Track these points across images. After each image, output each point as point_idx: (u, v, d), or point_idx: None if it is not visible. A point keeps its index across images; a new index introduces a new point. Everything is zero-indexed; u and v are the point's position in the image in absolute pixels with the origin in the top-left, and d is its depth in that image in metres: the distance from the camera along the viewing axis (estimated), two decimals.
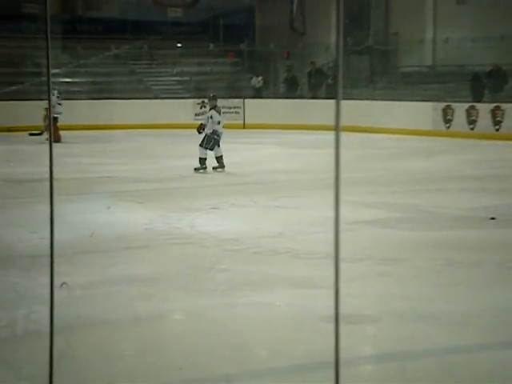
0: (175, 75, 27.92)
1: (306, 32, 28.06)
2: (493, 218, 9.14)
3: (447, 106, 21.52)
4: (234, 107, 25.23)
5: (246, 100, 25.57)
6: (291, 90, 26.84)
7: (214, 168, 13.94)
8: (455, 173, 13.86)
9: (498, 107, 20.41)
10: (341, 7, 2.34)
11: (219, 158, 13.98)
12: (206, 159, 13.87)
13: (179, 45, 29.30)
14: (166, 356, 4.89)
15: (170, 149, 18.85)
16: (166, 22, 29.63)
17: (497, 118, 20.35)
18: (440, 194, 11.19)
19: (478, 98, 21.33)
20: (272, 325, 5.51)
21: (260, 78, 27.31)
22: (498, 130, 20.29)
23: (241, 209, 10.19)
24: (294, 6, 27.77)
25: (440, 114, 21.59)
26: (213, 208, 10.12)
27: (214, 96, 14.71)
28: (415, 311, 5.67)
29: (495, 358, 4.90)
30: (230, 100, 25.07)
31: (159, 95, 26.54)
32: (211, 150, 13.96)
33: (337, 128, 2.37)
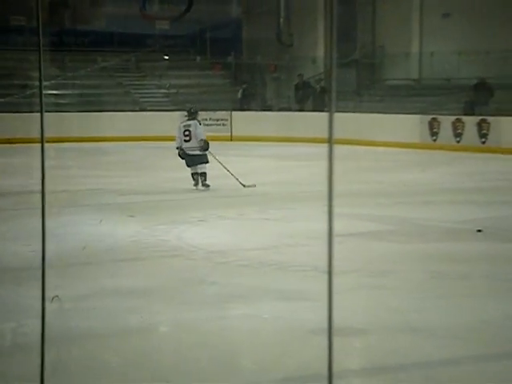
0: (162, 88, 27.93)
1: (293, 45, 28.16)
2: (479, 231, 9.19)
3: (433, 118, 21.63)
4: (222, 119, 25.25)
5: (233, 112, 25.60)
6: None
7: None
8: (443, 185, 13.92)
9: (483, 120, 20.53)
10: (334, 21, 2.36)
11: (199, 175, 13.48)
12: (196, 174, 13.50)
13: (166, 57, 29.34)
14: (155, 369, 4.88)
15: (158, 161, 18.83)
16: (153, 35, 29.67)
17: (483, 131, 20.46)
18: (428, 207, 11.24)
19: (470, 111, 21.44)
20: (261, 338, 5.51)
21: (245, 86, 27.29)
22: (484, 142, 20.41)
23: (229, 221, 10.19)
24: (281, 19, 27.88)
25: (426, 126, 21.70)
26: (201, 220, 10.12)
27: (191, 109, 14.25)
28: (406, 324, 5.68)
29: (486, 370, 4.92)
30: (218, 112, 25.09)
31: (146, 107, 26.54)
32: (188, 166, 13.52)
33: (330, 140, 2.38)
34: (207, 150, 13.52)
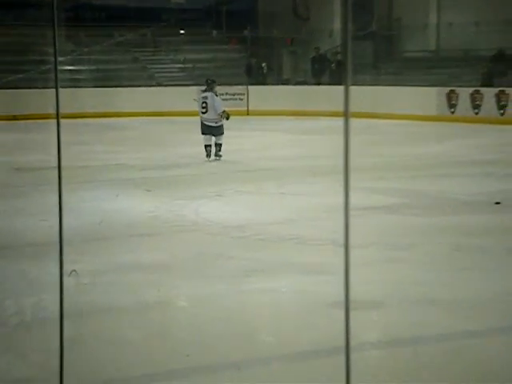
0: (178, 62, 27.86)
1: (310, 18, 27.98)
2: (498, 203, 9.14)
3: (451, 90, 21.47)
4: (238, 93, 25.19)
5: (249, 87, 25.51)
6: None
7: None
8: (461, 158, 13.84)
9: (502, 91, 20.35)
10: None
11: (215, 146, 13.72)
12: (209, 146, 13.76)
13: (182, 32, 29.24)
14: (174, 343, 4.91)
15: (175, 136, 18.85)
16: (169, 9, 29.56)
17: (501, 103, 20.30)
18: (446, 180, 11.18)
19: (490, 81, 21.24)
20: (280, 311, 5.53)
21: (264, 65, 27.23)
22: (502, 114, 20.25)
23: (246, 196, 10.19)
24: None
25: (444, 98, 21.54)
26: (218, 195, 10.13)
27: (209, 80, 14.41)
28: (425, 296, 5.68)
29: (506, 341, 4.91)
30: (234, 87, 25.02)
31: (162, 82, 26.50)
32: (203, 134, 13.72)
33: (346, 114, 2.37)
34: (227, 119, 13.74)
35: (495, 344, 4.87)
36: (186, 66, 27.51)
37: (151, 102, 24.36)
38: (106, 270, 6.56)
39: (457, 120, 20.71)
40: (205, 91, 14.15)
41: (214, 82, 14.32)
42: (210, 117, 13.69)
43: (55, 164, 3.14)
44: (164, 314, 5.55)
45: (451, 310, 5.39)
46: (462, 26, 23.73)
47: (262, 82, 26.66)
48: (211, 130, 13.67)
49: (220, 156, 13.70)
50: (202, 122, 13.80)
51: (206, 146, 13.76)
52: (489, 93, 20.62)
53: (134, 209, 9.27)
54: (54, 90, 3.20)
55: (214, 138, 13.73)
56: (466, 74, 22.25)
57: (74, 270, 5.93)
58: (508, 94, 20.19)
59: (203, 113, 13.76)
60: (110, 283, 6.18)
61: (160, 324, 5.30)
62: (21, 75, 23.73)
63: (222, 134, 13.73)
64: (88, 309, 5.46)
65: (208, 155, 13.70)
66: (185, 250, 7.31)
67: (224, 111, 13.74)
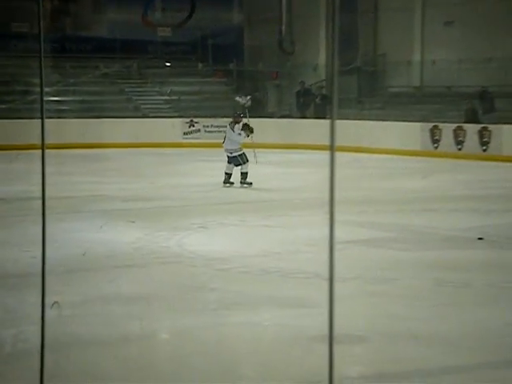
0: (164, 94, 27.95)
1: (295, 52, 28.18)
2: (480, 239, 9.18)
3: (435, 126, 21.63)
4: (223, 126, 25.22)
5: None
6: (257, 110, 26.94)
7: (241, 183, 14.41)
8: (444, 193, 13.91)
9: (485, 128, 20.52)
10: (336, 29, 2.36)
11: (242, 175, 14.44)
12: (230, 174, 14.36)
13: (168, 64, 29.37)
14: (155, 376, 4.87)
15: (159, 168, 18.84)
16: (155, 42, 29.70)
17: (484, 139, 20.46)
18: (430, 214, 11.22)
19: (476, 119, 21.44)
20: (262, 345, 5.50)
21: (248, 98, 27.34)
22: (485, 150, 20.40)
23: (230, 228, 10.18)
24: (283, 27, 27.91)
25: (428, 134, 21.69)
26: (201, 227, 10.11)
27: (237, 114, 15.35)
28: (407, 331, 5.67)
29: (487, 378, 4.90)
30: (219, 119, 25.10)
31: (148, 114, 26.56)
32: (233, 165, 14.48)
33: (332, 147, 2.38)
34: (249, 134, 14.73)
35: (475, 380, 4.86)
36: (172, 97, 27.60)
37: (136, 134, 24.37)
38: (88, 301, 6.51)
39: (440, 155, 20.84)
40: (230, 123, 14.88)
41: (239, 115, 15.22)
42: (227, 147, 14.50)
43: (39, 194, 3.13)
44: (145, 347, 5.50)
45: (433, 345, 5.38)
46: (445, 63, 23.99)
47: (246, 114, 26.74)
48: (229, 159, 14.41)
49: (246, 183, 14.27)
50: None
51: (225, 173, 14.42)
52: (471, 129, 20.78)
53: (117, 240, 9.23)
54: (39, 120, 3.20)
55: (230, 166, 14.40)
56: (450, 110, 22.44)
57: (56, 302, 5.88)
58: (490, 131, 20.37)
59: (223, 143, 14.68)
60: (92, 315, 6.13)
61: (141, 357, 5.25)
62: (6, 106, 23.71)
63: (243, 163, 14.31)
64: (69, 341, 5.40)
65: (224, 181, 14.33)
66: (167, 282, 7.27)
67: (245, 124, 14.62)
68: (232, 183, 14.33)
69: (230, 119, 15.24)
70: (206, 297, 6.72)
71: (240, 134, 14.59)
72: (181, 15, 29.71)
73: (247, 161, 14.40)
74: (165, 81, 28.38)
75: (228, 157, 14.45)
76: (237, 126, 14.69)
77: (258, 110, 26.63)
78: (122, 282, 7.23)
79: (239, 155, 14.39)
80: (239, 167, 14.38)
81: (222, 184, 14.28)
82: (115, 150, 22.71)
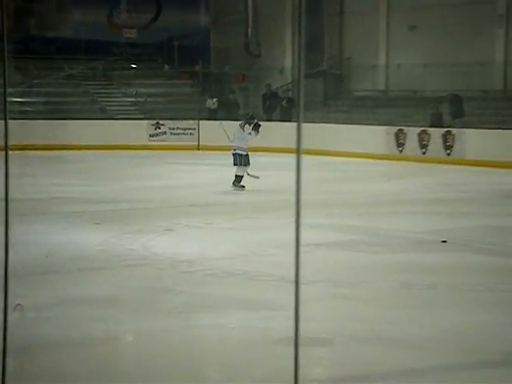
0: (129, 96, 27.82)
1: (261, 55, 28.23)
2: (444, 241, 9.26)
3: (400, 130, 21.78)
4: (189, 129, 25.21)
5: (200, 121, 25.57)
6: (234, 112, 27.00)
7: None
8: (408, 196, 14.01)
9: (449, 132, 20.72)
10: (302, 32, 2.37)
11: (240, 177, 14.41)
12: (240, 176, 14.31)
13: (134, 66, 29.24)
14: (121, 378, 4.84)
15: (125, 170, 18.74)
16: (120, 43, 29.56)
17: (448, 143, 20.66)
18: (395, 217, 11.30)
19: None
20: (228, 347, 5.49)
21: (215, 100, 27.35)
22: (449, 154, 20.60)
23: (196, 230, 10.15)
24: (249, 29, 27.94)
25: (393, 137, 21.84)
26: (167, 229, 10.07)
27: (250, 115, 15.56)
28: (372, 334, 5.70)
29: (449, 379, 4.94)
30: (185, 121, 25.06)
31: (114, 116, 26.41)
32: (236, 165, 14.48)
33: (298, 150, 2.38)
34: (257, 129, 14.73)
35: (442, 382, 4.90)
36: (138, 99, 27.49)
37: (102, 135, 24.22)
38: (52, 304, 6.45)
39: (405, 159, 20.99)
40: (241, 124, 14.97)
41: (251, 117, 15.35)
42: (236, 144, 14.53)
43: (2, 196, 3.10)
44: (111, 349, 5.47)
45: (397, 348, 5.41)
46: (410, 67, 24.19)
47: (212, 117, 26.74)
48: (234, 158, 14.42)
49: (238, 186, 14.23)
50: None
51: (236, 176, 14.41)
52: (436, 133, 20.97)
53: (81, 242, 9.16)
54: (2, 121, 3.17)
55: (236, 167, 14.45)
56: (415, 114, 22.63)
57: (19, 304, 5.81)
58: (454, 135, 20.57)
59: (231, 141, 14.62)
60: (56, 317, 6.08)
61: (107, 359, 5.21)
62: None
63: (245, 165, 14.33)
64: (32, 343, 5.35)
65: (234, 183, 14.32)
66: (133, 285, 7.24)
67: (256, 124, 14.73)
68: (243, 187, 14.25)
69: (240, 121, 15.35)
70: (171, 299, 6.70)
71: (250, 133, 14.63)
72: (146, 17, 29.60)
73: (248, 164, 14.40)
74: (130, 82, 28.26)
75: (233, 155, 14.42)
76: (247, 126, 14.76)
77: (232, 112, 26.69)
78: (87, 285, 7.18)
79: (245, 155, 14.43)
80: (235, 168, 14.39)
81: (232, 186, 14.22)
82: (80, 152, 22.56)
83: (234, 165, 14.36)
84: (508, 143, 19.43)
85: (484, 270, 7.88)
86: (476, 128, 20.45)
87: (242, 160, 14.36)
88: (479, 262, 8.30)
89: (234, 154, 14.45)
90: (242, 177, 14.30)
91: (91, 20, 29.48)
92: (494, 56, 23.50)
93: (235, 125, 15.04)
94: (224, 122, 15.81)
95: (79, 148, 22.96)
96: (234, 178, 14.25)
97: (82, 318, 6.07)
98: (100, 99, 27.41)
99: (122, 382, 4.76)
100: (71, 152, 22.30)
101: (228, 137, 14.76)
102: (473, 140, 20.20)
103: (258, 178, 14.20)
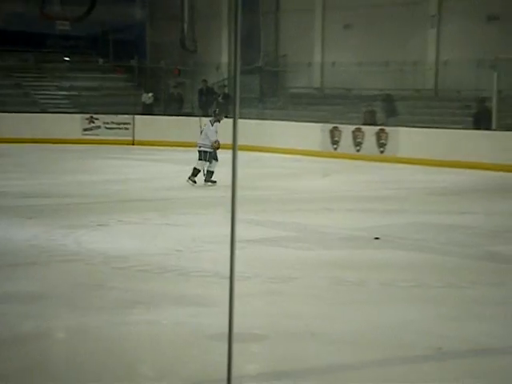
0: (63, 89, 27.42)
1: (197, 50, 28.14)
2: (377, 238, 9.39)
3: (334, 127, 21.99)
4: (124, 123, 24.97)
5: (135, 116, 25.37)
6: (176, 107, 26.95)
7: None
8: (342, 193, 14.16)
9: (382, 130, 21.01)
10: (238, 29, 2.37)
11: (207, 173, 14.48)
12: (198, 170, 14.40)
13: (67, 59, 28.81)
14: (51, 376, 4.77)
15: (59, 164, 18.47)
16: (53, 35, 29.07)
17: (381, 141, 20.94)
18: (328, 214, 11.40)
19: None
20: (160, 343, 5.47)
21: (150, 95, 27.17)
22: (382, 152, 20.88)
23: (130, 226, 10.07)
24: (185, 25, 27.81)
25: (328, 135, 22.04)
26: (101, 225, 9.97)
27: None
28: (305, 329, 5.74)
29: (386, 375, 5.01)
30: (120, 116, 24.82)
31: (47, 109, 25.99)
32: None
33: (234, 146, 2.38)
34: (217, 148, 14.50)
35: (374, 377, 4.97)
36: (71, 93, 27.10)
37: (34, 129, 23.82)
38: None
39: (339, 156, 21.21)
40: (211, 120, 14.97)
41: (215, 112, 15.49)
42: (200, 141, 14.61)
43: None
44: (41, 346, 5.39)
45: (331, 343, 5.47)
46: (344, 66, 24.44)
47: (148, 111, 26.56)
48: (200, 154, 14.48)
49: (210, 181, 14.31)
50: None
51: (194, 168, 14.47)
52: (370, 131, 21.24)
53: (12, 237, 9.00)
54: None
55: (199, 162, 14.50)
56: (349, 112, 22.87)
57: None
58: (387, 133, 20.86)
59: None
60: None
61: (37, 356, 5.13)
62: None
63: (210, 161, 14.35)
64: None
65: (189, 177, 14.36)
66: (64, 281, 7.14)
67: (216, 142, 14.43)
68: (195, 182, 14.33)
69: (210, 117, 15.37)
70: (104, 295, 6.64)
71: (217, 132, 14.58)
72: (80, 9, 29.16)
73: (216, 160, 14.40)
74: (64, 75, 27.85)
75: (199, 152, 14.51)
76: (216, 123, 14.71)
77: (176, 107, 26.57)
78: (18, 280, 7.06)
79: (210, 152, 14.43)
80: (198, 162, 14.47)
81: (187, 179, 14.26)
82: (12, 145, 22.14)
83: (199, 160, 14.48)
84: (440, 142, 19.80)
85: (415, 267, 8.02)
86: (409, 127, 20.78)
87: (208, 156, 14.43)
88: (410, 259, 8.43)
89: (200, 152, 14.53)
90: (213, 172, 14.38)
91: (23, 11, 28.90)
92: (426, 56, 23.93)
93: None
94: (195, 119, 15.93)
95: (11, 141, 22.54)
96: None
97: (12, 315, 5.97)
98: (33, 92, 26.94)
99: (52, 381, 4.70)
100: (3, 145, 21.87)
101: (201, 133, 14.87)
102: (405, 138, 20.53)
103: (215, 182, 14.30)
